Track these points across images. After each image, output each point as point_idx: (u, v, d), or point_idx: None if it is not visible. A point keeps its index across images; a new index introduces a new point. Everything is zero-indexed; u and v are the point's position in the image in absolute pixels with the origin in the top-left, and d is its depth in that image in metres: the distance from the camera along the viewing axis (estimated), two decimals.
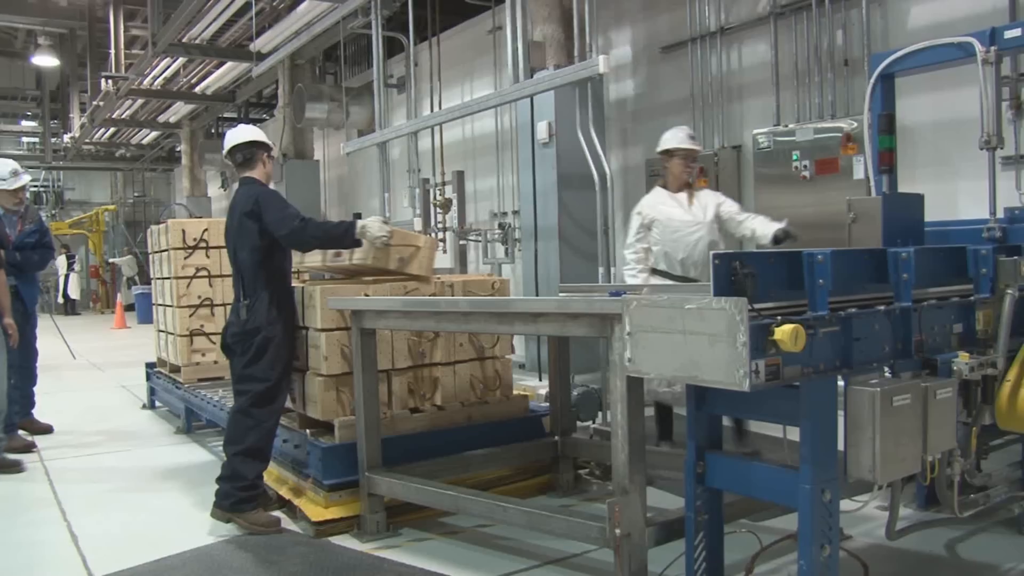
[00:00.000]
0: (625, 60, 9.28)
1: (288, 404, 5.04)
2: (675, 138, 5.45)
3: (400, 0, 9.72)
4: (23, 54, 18.88)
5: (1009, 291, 3.36)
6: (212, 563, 4.03)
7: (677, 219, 5.35)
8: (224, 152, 4.83)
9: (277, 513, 4.65)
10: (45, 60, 17.11)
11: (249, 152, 4.70)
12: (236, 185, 4.74)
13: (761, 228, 5.16)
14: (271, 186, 4.79)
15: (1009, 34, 4.04)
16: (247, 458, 4.45)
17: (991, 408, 3.35)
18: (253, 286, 4.54)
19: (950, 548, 3.92)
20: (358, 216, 13.98)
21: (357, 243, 4.57)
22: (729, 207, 5.40)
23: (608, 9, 9.11)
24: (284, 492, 4.81)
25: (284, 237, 4.47)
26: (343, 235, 4.52)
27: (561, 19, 7.75)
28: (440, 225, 9.55)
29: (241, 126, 4.85)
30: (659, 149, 5.53)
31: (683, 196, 5.44)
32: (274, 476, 5.06)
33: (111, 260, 26.67)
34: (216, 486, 4.50)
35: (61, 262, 23.79)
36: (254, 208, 4.47)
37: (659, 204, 5.47)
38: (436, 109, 10.41)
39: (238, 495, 4.42)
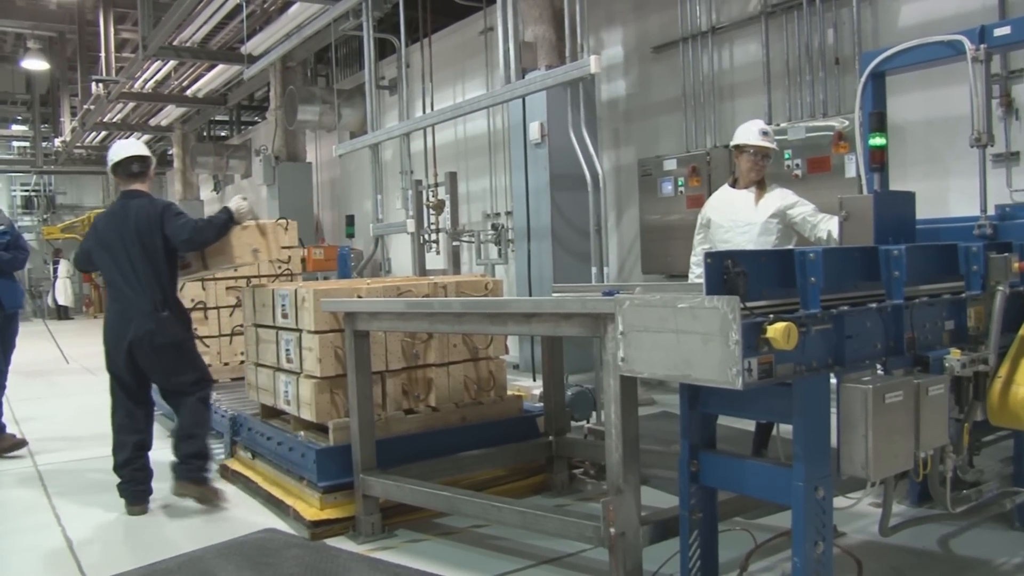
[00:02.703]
0: (617, 60, 9.30)
1: (282, 406, 5.06)
2: (747, 133, 4.97)
3: (391, 1, 9.72)
4: (12, 58, 18.78)
5: (1000, 288, 3.37)
6: (206, 567, 4.02)
7: (729, 219, 4.96)
8: (116, 160, 5.03)
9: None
10: (35, 64, 17.01)
11: (145, 164, 5.07)
12: (133, 198, 4.99)
13: (836, 229, 4.45)
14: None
15: (999, 32, 4.05)
16: (209, 437, 5.15)
17: (983, 404, 3.37)
18: (171, 297, 4.97)
19: (943, 544, 3.94)
20: (351, 217, 14.00)
21: (236, 223, 5.00)
22: (800, 209, 4.84)
23: (599, 9, 9.12)
24: (278, 494, 4.81)
25: (186, 241, 4.86)
26: (228, 220, 4.93)
27: (552, 19, 7.76)
28: (433, 226, 9.55)
29: (131, 139, 5.17)
30: (732, 143, 5.09)
31: (748, 195, 4.97)
32: (269, 478, 5.06)
33: None
34: (179, 464, 4.98)
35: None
36: (162, 220, 4.85)
37: (717, 202, 5.11)
38: (428, 110, 10.41)
39: (208, 468, 5.08)
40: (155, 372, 4.96)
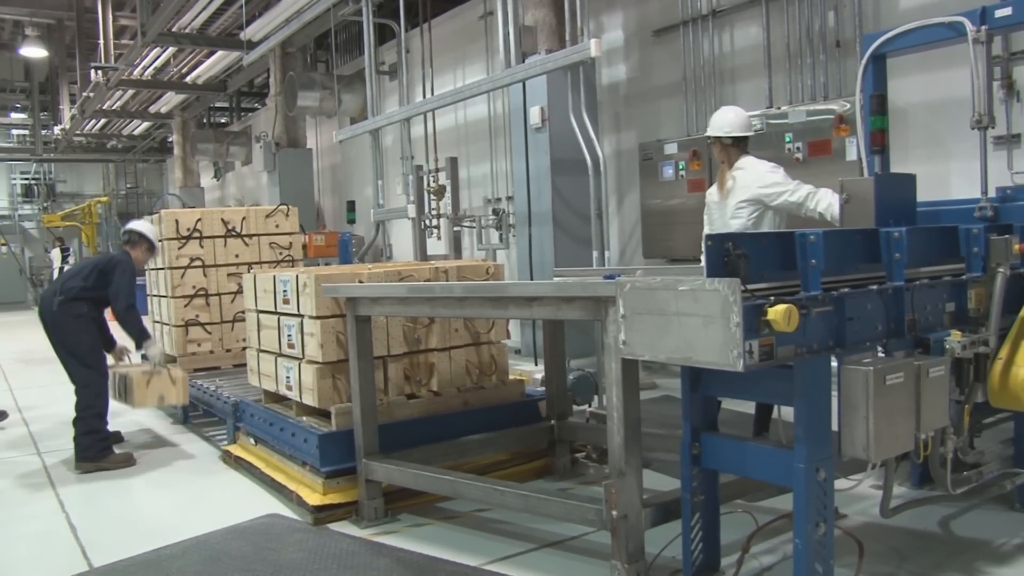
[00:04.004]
0: (617, 44, 9.26)
1: (284, 392, 5.07)
2: None
3: None
4: (11, 45, 18.70)
5: (1001, 269, 3.38)
6: (211, 551, 4.05)
7: (713, 201, 4.95)
8: (124, 229, 6.40)
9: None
10: (33, 51, 16.94)
11: (136, 237, 6.10)
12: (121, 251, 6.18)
13: (829, 206, 4.42)
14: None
15: (1000, 13, 4.04)
16: (99, 416, 5.71)
17: (983, 386, 3.38)
18: (73, 297, 5.75)
19: (944, 525, 3.96)
20: (352, 203, 14.03)
21: (139, 347, 5.96)
22: (784, 200, 4.61)
23: None
24: (281, 479, 4.83)
25: (112, 297, 5.74)
26: (139, 335, 5.90)
27: (552, 3, 7.73)
28: (434, 212, 9.54)
29: (144, 221, 6.54)
30: None
31: (728, 177, 4.85)
32: (271, 464, 5.08)
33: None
34: (74, 443, 5.69)
35: (56, 255, 23.64)
36: (108, 268, 5.81)
37: (713, 188, 5.06)
38: (428, 95, 10.38)
39: (100, 445, 5.69)
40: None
